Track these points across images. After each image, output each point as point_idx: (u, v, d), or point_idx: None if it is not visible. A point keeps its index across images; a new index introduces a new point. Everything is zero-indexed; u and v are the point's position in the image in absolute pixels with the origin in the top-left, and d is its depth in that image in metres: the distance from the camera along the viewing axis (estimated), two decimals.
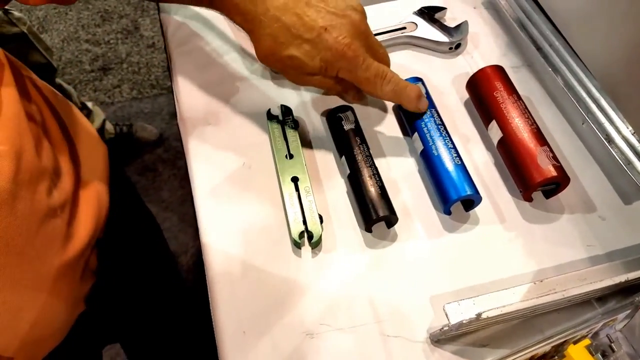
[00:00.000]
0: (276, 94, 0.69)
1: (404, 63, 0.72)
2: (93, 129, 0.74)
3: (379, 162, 0.62)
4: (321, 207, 0.60)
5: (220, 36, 0.75)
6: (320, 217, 0.57)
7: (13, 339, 0.53)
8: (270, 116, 0.65)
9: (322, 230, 0.57)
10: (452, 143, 0.60)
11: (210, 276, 0.55)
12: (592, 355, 0.46)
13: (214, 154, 0.64)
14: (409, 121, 0.63)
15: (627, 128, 0.60)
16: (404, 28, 0.73)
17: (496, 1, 0.76)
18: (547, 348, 0.48)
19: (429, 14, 0.74)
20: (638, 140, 0.59)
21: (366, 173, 0.58)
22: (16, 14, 1.42)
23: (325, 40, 0.54)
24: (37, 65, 1.51)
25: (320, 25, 0.54)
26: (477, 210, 0.59)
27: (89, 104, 1.81)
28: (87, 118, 1.73)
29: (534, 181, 0.56)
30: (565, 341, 0.49)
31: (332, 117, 0.64)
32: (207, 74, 0.71)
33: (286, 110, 0.65)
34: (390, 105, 0.68)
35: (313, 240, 0.56)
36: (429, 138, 0.60)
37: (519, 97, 0.62)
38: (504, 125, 0.60)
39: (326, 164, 0.63)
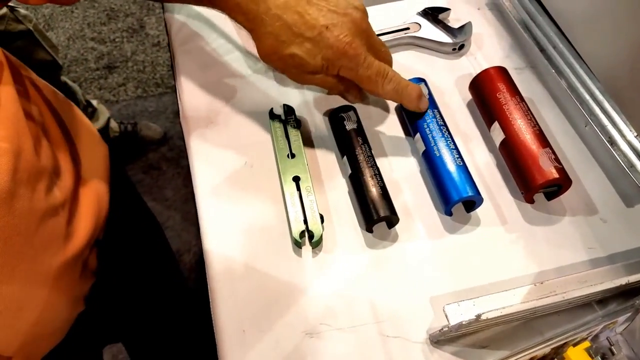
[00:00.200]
0: (279, 94, 0.69)
1: (407, 63, 0.72)
2: (94, 128, 0.74)
3: (380, 163, 0.62)
4: (322, 207, 0.60)
5: (224, 35, 0.75)
6: (321, 217, 0.57)
7: (12, 339, 0.53)
8: (272, 115, 0.65)
9: (323, 230, 0.57)
10: (454, 144, 0.60)
11: (210, 275, 0.55)
12: (592, 358, 0.46)
13: (216, 153, 0.64)
14: (411, 122, 0.63)
15: (630, 131, 0.60)
16: (408, 29, 0.73)
17: (500, 2, 0.76)
18: (547, 350, 0.48)
19: (433, 14, 0.74)
20: None
21: (368, 173, 0.58)
22: (22, 11, 1.42)
23: (326, 38, 0.54)
24: (42, 62, 1.51)
25: (322, 23, 0.54)
26: (479, 211, 0.59)
27: (94, 102, 1.81)
28: (92, 116, 1.74)
29: (535, 183, 0.56)
30: (565, 343, 0.49)
31: (335, 117, 0.64)
32: (210, 72, 0.71)
33: (288, 109, 0.65)
34: (392, 105, 0.68)
35: (314, 240, 0.56)
36: (431, 139, 0.60)
37: (521, 99, 0.62)
38: (506, 127, 0.60)
39: (328, 164, 0.63)
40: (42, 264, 0.53)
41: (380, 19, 0.73)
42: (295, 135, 0.63)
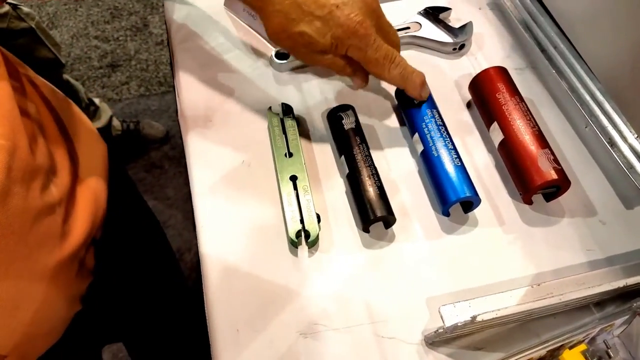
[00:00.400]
0: (277, 92, 0.69)
1: (409, 63, 0.71)
2: (93, 127, 0.73)
3: (378, 162, 0.61)
4: (319, 207, 0.59)
5: (224, 34, 0.75)
6: (318, 217, 0.57)
7: (7, 338, 0.53)
8: (270, 114, 0.64)
9: (320, 230, 0.56)
10: (453, 144, 0.59)
11: (205, 273, 0.55)
12: None
13: (214, 151, 0.64)
14: (410, 121, 0.63)
15: (631, 132, 0.59)
16: (408, 28, 0.73)
17: (501, 2, 0.76)
18: (543, 352, 0.48)
19: (434, 14, 0.74)
20: None
21: (365, 173, 0.58)
22: (25, 9, 1.42)
23: (337, 17, 0.53)
24: (44, 60, 1.51)
25: (332, 2, 0.53)
26: (476, 212, 0.59)
27: (96, 101, 1.81)
28: (94, 114, 1.74)
29: (534, 184, 0.56)
30: (561, 346, 0.48)
31: (333, 116, 0.64)
32: (210, 71, 0.71)
33: (287, 108, 0.65)
34: (391, 104, 0.68)
35: (310, 240, 0.55)
36: (429, 139, 0.60)
37: (521, 99, 0.61)
38: (505, 127, 0.60)
39: (326, 163, 0.63)
40: (38, 263, 0.53)
41: None
42: (293, 134, 0.63)
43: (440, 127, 0.60)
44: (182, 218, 1.83)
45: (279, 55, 0.70)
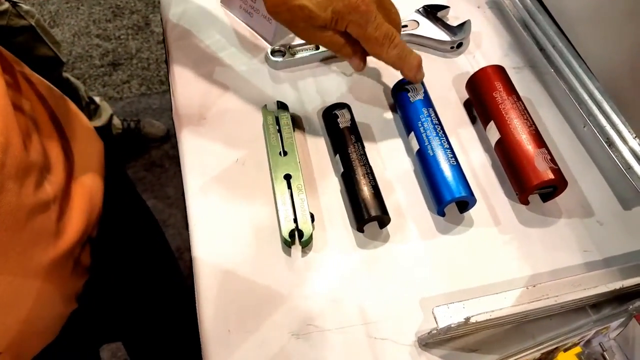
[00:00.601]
0: (273, 90, 0.68)
1: None
2: (90, 125, 0.73)
3: (374, 161, 0.61)
4: (314, 206, 0.59)
5: (220, 31, 0.74)
6: (312, 216, 0.56)
7: (1, 336, 0.53)
8: (265, 112, 0.64)
9: (313, 229, 0.56)
10: (449, 143, 0.59)
11: (197, 272, 0.55)
12: None
13: (208, 149, 0.63)
14: (406, 120, 0.62)
15: (629, 132, 0.59)
16: (406, 26, 0.72)
17: (500, 0, 0.75)
18: (537, 355, 0.47)
19: (432, 12, 0.73)
20: (639, 145, 0.58)
21: (360, 172, 0.57)
22: (24, 6, 1.42)
23: None
24: (44, 58, 1.51)
25: None
26: (472, 212, 0.58)
27: (97, 99, 1.81)
28: (95, 113, 1.74)
29: (530, 184, 0.55)
30: (555, 348, 0.47)
31: (328, 114, 0.63)
32: (205, 68, 0.70)
33: (282, 106, 0.64)
34: (387, 103, 0.67)
35: (303, 239, 0.55)
36: (425, 137, 0.59)
37: (518, 98, 0.61)
38: (502, 126, 0.59)
39: (321, 162, 0.62)
40: (32, 260, 0.53)
41: None
42: (288, 132, 0.62)
43: (436, 126, 0.60)
44: (182, 217, 1.82)
45: (274, 53, 0.70)
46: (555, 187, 0.57)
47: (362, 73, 0.70)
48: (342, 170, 0.59)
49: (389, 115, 0.66)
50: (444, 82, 0.69)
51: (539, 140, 0.57)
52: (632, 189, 0.57)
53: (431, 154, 0.58)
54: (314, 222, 0.56)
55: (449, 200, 0.55)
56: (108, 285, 0.73)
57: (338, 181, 0.61)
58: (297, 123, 0.65)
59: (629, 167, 0.57)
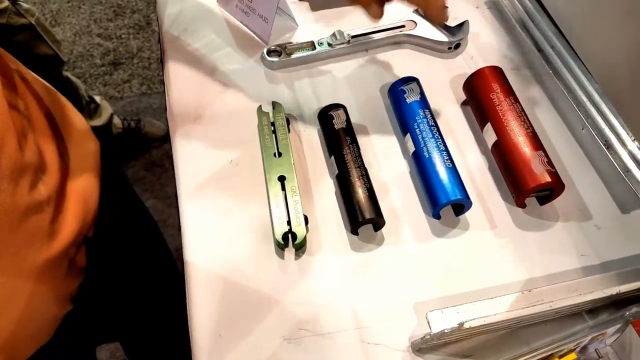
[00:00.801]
0: (269, 90, 0.68)
1: (402, 62, 0.70)
2: (86, 124, 0.72)
3: (369, 163, 0.60)
4: (308, 208, 0.58)
5: (216, 30, 0.74)
6: (306, 218, 0.55)
7: None
8: (260, 113, 0.63)
9: (307, 232, 0.55)
10: (445, 145, 0.58)
11: (188, 275, 0.54)
12: None
13: (202, 150, 0.62)
14: (402, 121, 0.62)
15: (628, 135, 0.58)
16: (403, 26, 0.72)
17: (499, 1, 0.74)
18: None
19: None
20: (638, 148, 0.57)
21: (355, 174, 0.57)
22: (24, 5, 1.42)
23: None
24: (44, 57, 1.50)
25: None
26: (468, 215, 0.57)
27: (97, 98, 1.80)
28: (95, 112, 1.74)
29: (527, 187, 0.54)
30: (551, 354, 0.47)
31: (323, 115, 0.62)
32: (200, 68, 0.70)
33: (277, 107, 0.63)
34: (384, 104, 0.67)
35: (296, 242, 0.54)
36: (420, 139, 0.58)
37: (516, 100, 0.60)
38: (498, 128, 0.58)
39: (316, 164, 0.62)
40: (25, 261, 0.52)
41: None
42: (283, 133, 0.61)
43: (432, 127, 0.59)
44: None
45: (270, 53, 0.69)
46: (552, 190, 0.56)
47: (359, 73, 0.69)
48: (336, 172, 0.58)
49: (385, 116, 0.66)
50: (441, 83, 0.69)
51: (536, 143, 0.57)
52: (631, 193, 0.56)
53: (427, 156, 0.57)
54: (308, 225, 0.56)
55: (444, 203, 0.55)
56: (104, 287, 0.72)
57: (333, 183, 0.60)
58: (293, 124, 0.65)
59: (627, 170, 0.56)
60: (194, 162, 0.62)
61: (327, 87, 0.68)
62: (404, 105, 0.61)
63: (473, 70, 0.64)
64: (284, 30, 0.74)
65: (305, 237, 0.54)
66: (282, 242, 0.54)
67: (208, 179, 0.60)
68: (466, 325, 0.44)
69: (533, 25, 0.69)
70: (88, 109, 1.75)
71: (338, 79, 0.69)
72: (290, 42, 0.70)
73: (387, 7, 0.72)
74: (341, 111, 0.62)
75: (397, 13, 0.72)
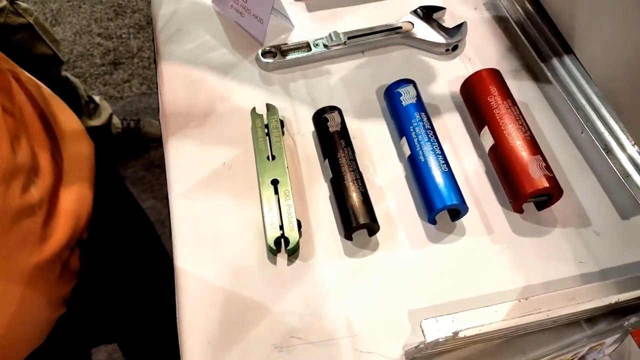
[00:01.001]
0: (263, 92, 0.67)
1: (399, 64, 0.69)
2: (81, 125, 0.72)
3: (364, 167, 0.59)
4: (301, 212, 0.57)
5: (210, 31, 0.73)
6: (299, 223, 0.54)
7: None
8: (254, 115, 0.62)
9: (300, 237, 0.54)
10: (441, 149, 0.57)
11: (178, 281, 0.53)
12: None
13: (194, 152, 0.62)
14: (398, 124, 0.61)
15: (628, 139, 0.57)
16: (400, 27, 0.71)
17: (498, 2, 0.73)
18: None
19: (427, 13, 0.71)
20: (638, 152, 0.56)
21: (349, 178, 0.56)
22: (22, 4, 1.41)
23: None
24: (42, 57, 1.49)
25: None
26: (464, 220, 0.56)
27: (97, 98, 1.80)
28: (94, 112, 1.73)
29: (524, 192, 0.53)
30: None
31: (318, 118, 0.62)
32: (194, 68, 0.69)
33: (271, 109, 0.63)
34: (379, 107, 0.66)
35: (289, 247, 0.53)
36: (416, 143, 0.57)
37: (513, 103, 0.59)
38: (496, 132, 0.57)
39: (310, 167, 0.61)
40: (17, 264, 0.52)
41: (372, 17, 0.71)
42: (277, 136, 0.60)
43: (428, 130, 0.58)
44: None
45: (265, 54, 0.68)
46: (550, 195, 0.55)
47: (355, 75, 0.68)
48: (331, 175, 0.57)
49: (381, 119, 0.65)
50: (438, 85, 0.68)
51: (534, 147, 0.56)
52: (630, 198, 0.55)
53: (423, 160, 0.56)
54: (301, 230, 0.55)
55: (440, 208, 0.54)
56: (99, 289, 0.72)
57: (327, 187, 0.59)
58: (287, 126, 0.64)
59: (627, 175, 0.55)
60: (187, 164, 0.61)
61: (323, 89, 0.67)
62: (400, 107, 0.61)
63: (471, 73, 0.63)
64: (280, 30, 0.73)
65: (298, 242, 0.53)
66: (274, 248, 0.53)
67: (200, 181, 0.59)
68: (461, 335, 0.43)
69: (532, 27, 0.68)
70: (87, 108, 1.75)
71: (334, 81, 0.68)
72: (286, 43, 0.70)
73: (385, 8, 0.72)
74: (336, 114, 0.61)
75: (394, 14, 0.72)
